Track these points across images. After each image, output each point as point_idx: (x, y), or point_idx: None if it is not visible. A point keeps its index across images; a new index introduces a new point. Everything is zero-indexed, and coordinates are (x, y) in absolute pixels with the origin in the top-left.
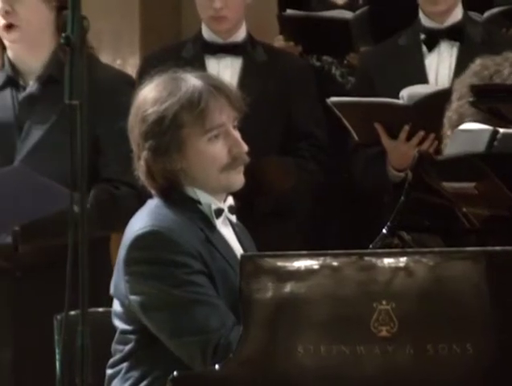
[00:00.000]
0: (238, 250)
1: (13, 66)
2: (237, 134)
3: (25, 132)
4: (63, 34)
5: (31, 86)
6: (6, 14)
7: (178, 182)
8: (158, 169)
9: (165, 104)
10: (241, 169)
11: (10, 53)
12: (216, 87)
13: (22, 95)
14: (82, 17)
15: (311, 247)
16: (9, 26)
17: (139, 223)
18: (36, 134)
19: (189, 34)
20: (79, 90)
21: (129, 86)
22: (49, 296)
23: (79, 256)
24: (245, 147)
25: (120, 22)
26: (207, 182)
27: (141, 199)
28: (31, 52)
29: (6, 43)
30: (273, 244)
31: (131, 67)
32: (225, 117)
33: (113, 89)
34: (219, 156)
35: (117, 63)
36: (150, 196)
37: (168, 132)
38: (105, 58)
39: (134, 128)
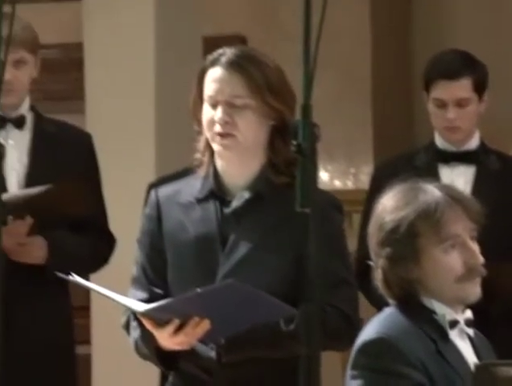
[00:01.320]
0: (474, 363)
1: (218, 178)
2: (474, 246)
3: (229, 247)
4: (293, 142)
5: (237, 201)
6: (225, 123)
7: (414, 291)
8: (395, 277)
9: (402, 213)
10: (478, 281)
11: (218, 163)
12: (453, 197)
13: (227, 210)
14: (313, 124)
15: None
16: (224, 135)
17: (370, 329)
18: (241, 251)
19: (422, 143)
20: (310, 198)
21: (337, 211)
22: None
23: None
24: (482, 259)
25: (353, 131)
26: (442, 292)
27: (349, 321)
28: (241, 165)
29: (217, 149)
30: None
31: (365, 176)
32: (462, 227)
33: (324, 215)
34: (455, 267)
35: (351, 172)
36: None
37: (404, 240)
38: (337, 166)
39: (373, 236)
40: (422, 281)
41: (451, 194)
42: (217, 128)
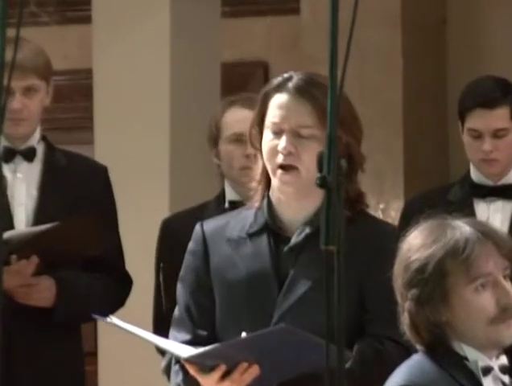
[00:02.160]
0: None
1: (273, 211)
2: (507, 284)
3: (287, 285)
4: (318, 175)
5: (297, 236)
6: (289, 154)
7: (443, 335)
8: (422, 320)
9: (429, 251)
10: None
11: (274, 194)
12: (484, 233)
13: (284, 245)
14: (339, 157)
15: None
16: (287, 167)
17: (398, 377)
18: (299, 289)
19: (456, 176)
20: (336, 235)
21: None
22: None
23: None
24: None
25: (383, 163)
26: (474, 335)
27: (407, 353)
28: (300, 199)
29: (278, 184)
30: None
31: (394, 212)
32: (493, 265)
33: (381, 244)
34: (486, 307)
35: (380, 207)
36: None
37: (431, 280)
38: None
39: (398, 277)
40: (452, 323)
41: (481, 229)
42: (280, 158)
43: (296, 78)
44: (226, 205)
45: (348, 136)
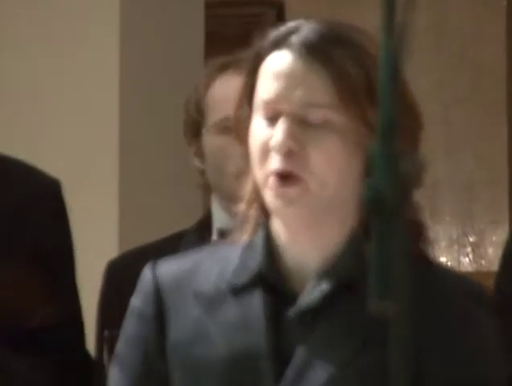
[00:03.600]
0: None
1: (272, 251)
2: None
3: (293, 373)
4: (368, 186)
5: (310, 295)
6: (289, 154)
7: None
8: None
9: None
10: None
11: (273, 224)
12: None
13: (290, 308)
14: (405, 157)
15: None
16: (285, 177)
17: None
18: (316, 377)
19: None
20: (397, 286)
21: (484, 309)
22: None
23: None
24: None
25: (474, 172)
26: None
27: None
28: (314, 230)
29: (273, 203)
30: None
31: (491, 248)
32: None
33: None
34: None
35: (470, 241)
36: None
37: None
38: (445, 234)
39: None
40: None
41: None
42: (274, 163)
43: (306, 28)
44: (214, 236)
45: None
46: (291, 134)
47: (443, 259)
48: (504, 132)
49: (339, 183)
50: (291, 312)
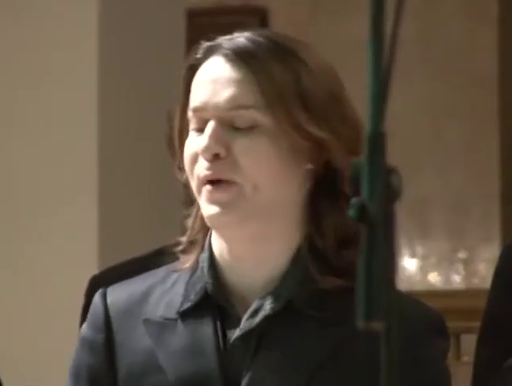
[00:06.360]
0: None
1: (217, 272)
2: None
3: None
4: (353, 200)
5: (252, 317)
6: (215, 158)
7: None
8: None
9: None
10: None
11: (215, 244)
12: None
13: (235, 331)
14: (390, 169)
15: None
16: (215, 181)
17: None
18: None
19: None
20: (381, 304)
21: (439, 336)
22: None
23: None
24: None
25: (464, 184)
26: None
27: None
28: (256, 246)
29: (207, 213)
30: None
31: (482, 264)
32: None
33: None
34: None
35: (459, 258)
36: None
37: None
38: (435, 249)
39: None
40: None
41: None
42: (202, 169)
43: (238, 36)
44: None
45: (324, 130)
46: (216, 138)
47: (432, 275)
48: (495, 145)
49: (274, 188)
50: (235, 336)
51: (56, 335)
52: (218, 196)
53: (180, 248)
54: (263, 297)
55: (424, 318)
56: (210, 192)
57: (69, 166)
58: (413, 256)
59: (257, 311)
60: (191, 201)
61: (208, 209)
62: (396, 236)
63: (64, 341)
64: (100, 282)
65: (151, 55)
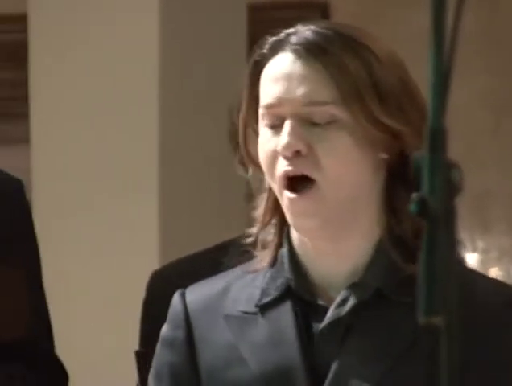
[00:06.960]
0: None
1: (298, 266)
2: None
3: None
4: (413, 195)
5: (338, 308)
6: (295, 155)
7: None
8: None
9: None
10: None
11: (294, 238)
12: None
13: (319, 323)
14: (451, 164)
15: None
16: (296, 177)
17: None
18: None
19: None
20: (444, 300)
21: None
22: None
23: None
24: None
25: (488, 177)
26: None
27: None
28: (336, 239)
29: (288, 212)
30: None
31: (508, 257)
32: None
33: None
34: None
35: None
36: None
37: None
38: (498, 244)
39: None
40: None
41: None
42: (283, 166)
43: (304, 30)
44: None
45: (400, 122)
46: (296, 135)
47: (493, 270)
48: None
49: (353, 182)
50: (323, 325)
51: (118, 330)
52: (301, 208)
53: (251, 239)
54: (350, 288)
55: (503, 293)
56: (292, 202)
57: (130, 162)
58: (474, 250)
59: (344, 301)
60: (250, 195)
61: (291, 218)
62: (457, 231)
63: (125, 336)
64: (161, 277)
65: (213, 51)
